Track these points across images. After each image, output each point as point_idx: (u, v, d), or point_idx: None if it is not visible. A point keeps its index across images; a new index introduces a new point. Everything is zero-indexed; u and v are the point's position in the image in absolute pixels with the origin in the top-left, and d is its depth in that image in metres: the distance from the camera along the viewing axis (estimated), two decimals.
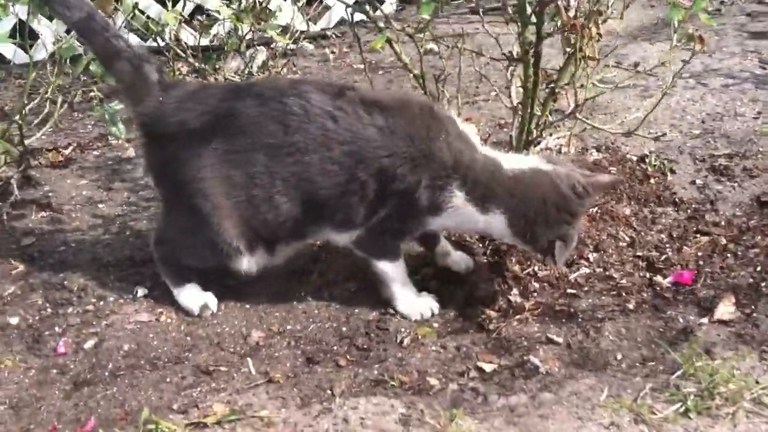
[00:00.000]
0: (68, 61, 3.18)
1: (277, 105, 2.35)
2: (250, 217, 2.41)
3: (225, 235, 2.41)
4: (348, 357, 2.35)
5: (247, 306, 2.58)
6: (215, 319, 2.52)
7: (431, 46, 3.80)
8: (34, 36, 3.43)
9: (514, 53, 3.10)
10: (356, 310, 2.55)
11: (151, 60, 2.50)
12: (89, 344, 2.41)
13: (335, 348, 2.39)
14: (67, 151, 3.62)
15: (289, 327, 2.49)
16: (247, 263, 2.49)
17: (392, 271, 2.50)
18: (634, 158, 3.29)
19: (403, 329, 2.45)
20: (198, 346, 2.40)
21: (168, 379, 2.26)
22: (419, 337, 2.42)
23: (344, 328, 2.48)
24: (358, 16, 3.97)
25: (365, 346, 2.39)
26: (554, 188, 2.35)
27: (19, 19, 3.30)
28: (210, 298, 2.56)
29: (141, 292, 2.62)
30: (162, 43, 3.87)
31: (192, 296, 2.56)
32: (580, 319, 2.46)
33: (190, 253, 2.52)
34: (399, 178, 2.32)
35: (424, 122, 2.35)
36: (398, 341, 2.40)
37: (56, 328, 2.48)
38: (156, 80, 2.46)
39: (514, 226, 2.37)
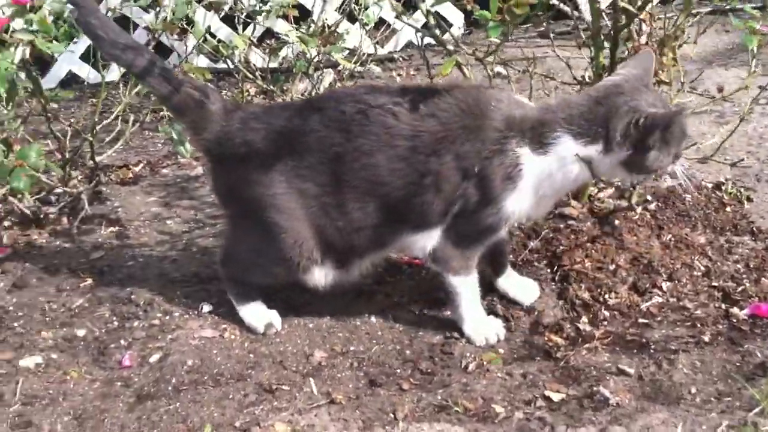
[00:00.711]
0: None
1: (337, 114, 2.35)
2: (325, 228, 2.40)
3: (301, 247, 2.41)
4: (411, 381, 2.31)
5: (310, 325, 2.56)
6: (278, 338, 2.51)
7: (499, 69, 3.78)
8: None
9: (586, 77, 3.06)
10: (420, 333, 2.51)
11: (210, 93, 2.50)
12: (154, 358, 2.42)
13: (398, 371, 2.36)
14: (136, 169, 3.69)
15: (352, 348, 2.46)
16: (322, 276, 2.48)
17: (465, 287, 2.44)
18: (710, 185, 3.19)
19: (468, 354, 2.40)
20: (261, 363, 2.39)
21: (230, 396, 2.25)
22: (484, 362, 2.36)
23: (408, 351, 2.44)
24: (426, 40, 3.97)
25: (429, 370, 2.35)
26: (599, 88, 2.34)
27: None
28: (275, 317, 2.55)
29: (206, 308, 2.62)
30: (231, 65, 3.93)
31: (257, 314, 2.55)
32: (652, 350, 2.37)
33: (261, 271, 2.52)
34: (461, 156, 2.28)
35: (473, 97, 2.33)
36: (463, 366, 2.35)
37: (122, 341, 2.50)
38: (217, 109, 2.48)
39: (580, 136, 2.25)
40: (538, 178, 2.30)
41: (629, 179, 2.48)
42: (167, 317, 2.60)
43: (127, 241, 3.08)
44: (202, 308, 2.62)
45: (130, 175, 3.62)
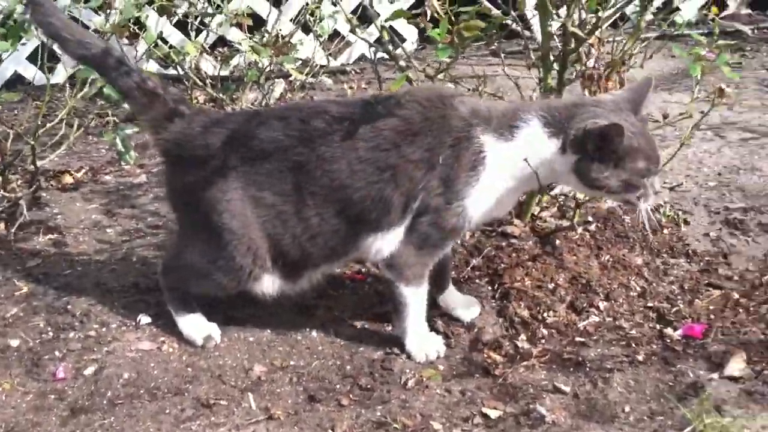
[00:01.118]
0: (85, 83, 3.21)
1: (299, 124, 2.38)
2: (280, 236, 2.40)
3: (255, 254, 2.39)
4: (351, 396, 2.31)
5: (251, 339, 2.55)
6: (217, 351, 2.49)
7: (449, 86, 3.80)
8: (56, 58, 3.46)
9: (533, 97, 3.09)
10: (361, 348, 2.51)
11: (171, 91, 2.52)
12: (89, 371, 2.38)
13: (338, 387, 2.35)
14: (78, 174, 3.63)
15: (292, 362, 2.45)
16: (270, 284, 2.47)
17: (415, 298, 2.44)
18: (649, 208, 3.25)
19: (407, 370, 2.41)
20: (199, 377, 2.37)
21: (167, 411, 2.23)
22: (424, 379, 2.37)
23: (348, 367, 2.44)
24: (379, 54, 3.98)
25: (369, 386, 2.35)
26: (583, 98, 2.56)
27: (42, 41, 3.32)
28: (214, 329, 2.53)
29: (144, 319, 2.59)
30: (181, 72, 3.89)
31: (196, 326, 2.53)
32: (588, 369, 2.41)
33: (207, 279, 2.48)
34: (423, 147, 2.31)
35: (435, 93, 2.39)
36: (402, 382, 2.36)
37: (56, 353, 2.46)
38: (179, 110, 2.48)
39: (548, 126, 2.31)
40: (502, 167, 2.33)
41: (582, 191, 2.54)
42: (104, 329, 2.56)
43: (65, 248, 3.03)
44: (140, 320, 2.59)
45: (71, 180, 3.56)
